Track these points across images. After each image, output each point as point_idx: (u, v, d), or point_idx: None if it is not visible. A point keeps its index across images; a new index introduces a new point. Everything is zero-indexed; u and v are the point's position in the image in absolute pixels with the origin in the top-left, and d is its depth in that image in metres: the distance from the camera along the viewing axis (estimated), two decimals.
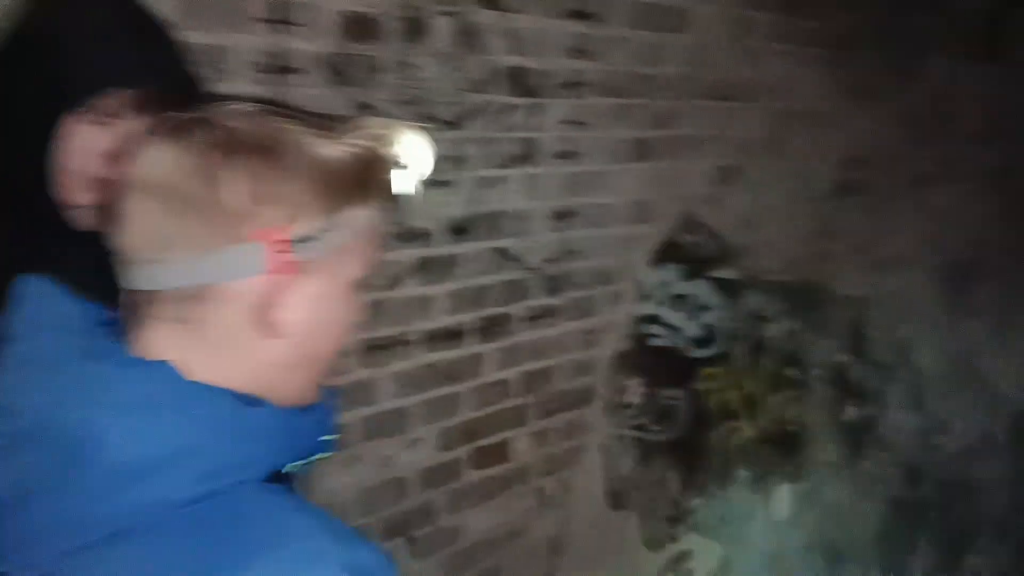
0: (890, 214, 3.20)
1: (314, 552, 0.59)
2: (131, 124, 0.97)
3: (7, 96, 1.00)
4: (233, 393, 0.63)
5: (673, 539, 2.66)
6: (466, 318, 2.00)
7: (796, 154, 2.78)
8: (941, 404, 3.59)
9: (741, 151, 2.61)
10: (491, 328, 2.06)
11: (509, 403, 2.15)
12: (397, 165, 0.69)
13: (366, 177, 0.67)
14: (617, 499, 2.48)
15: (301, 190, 0.64)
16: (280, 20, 1.54)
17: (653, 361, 2.49)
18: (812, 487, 3.09)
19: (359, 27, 1.67)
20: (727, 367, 2.71)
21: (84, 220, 1.02)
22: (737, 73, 2.53)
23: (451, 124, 1.85)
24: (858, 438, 3.28)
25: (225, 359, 0.65)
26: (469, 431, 2.06)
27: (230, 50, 1.48)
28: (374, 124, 0.69)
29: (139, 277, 0.65)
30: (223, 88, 1.42)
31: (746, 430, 2.82)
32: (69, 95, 0.98)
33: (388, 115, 1.67)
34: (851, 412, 3.24)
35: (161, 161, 0.63)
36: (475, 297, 2.00)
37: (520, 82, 1.97)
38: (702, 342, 2.62)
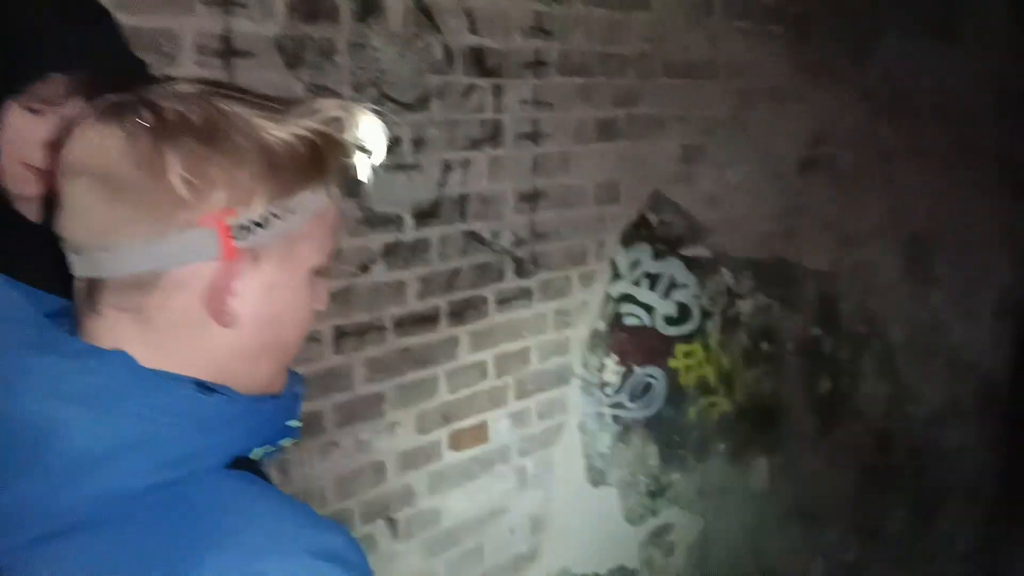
0: (856, 190, 3.26)
1: (276, 537, 0.58)
2: (72, 110, 0.93)
3: None
4: (192, 381, 0.62)
5: (654, 513, 2.70)
6: (440, 302, 2.01)
7: (761, 132, 2.82)
8: (911, 373, 3.67)
9: (706, 130, 2.64)
10: (465, 311, 2.08)
11: (486, 385, 2.17)
12: (350, 148, 0.67)
13: (317, 160, 0.64)
14: (597, 476, 2.52)
15: (248, 174, 0.61)
16: (226, 1, 1.51)
17: (629, 339, 2.53)
18: (788, 458, 3.15)
19: (309, 7, 1.64)
20: (702, 344, 2.76)
21: (32, 211, 1.00)
22: (698, 51, 2.56)
23: (411, 107, 1.82)
24: (832, 409, 3.34)
25: (180, 348, 0.63)
26: (447, 414, 2.08)
27: (175, 33, 1.44)
28: (326, 106, 0.66)
29: (86, 265, 0.63)
30: (169, 73, 1.39)
31: (722, 405, 2.87)
32: (6, 81, 0.94)
33: (343, 98, 1.68)
34: (824, 384, 3.31)
35: (97, 144, 0.61)
36: (447, 281, 2.02)
37: (480, 62, 1.97)
38: (676, 320, 2.67)
